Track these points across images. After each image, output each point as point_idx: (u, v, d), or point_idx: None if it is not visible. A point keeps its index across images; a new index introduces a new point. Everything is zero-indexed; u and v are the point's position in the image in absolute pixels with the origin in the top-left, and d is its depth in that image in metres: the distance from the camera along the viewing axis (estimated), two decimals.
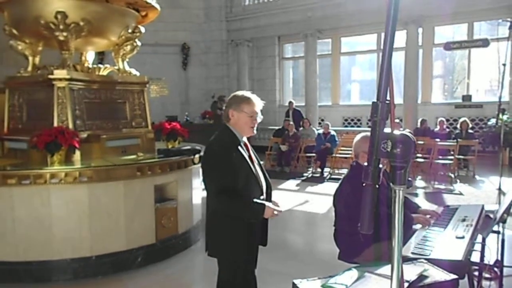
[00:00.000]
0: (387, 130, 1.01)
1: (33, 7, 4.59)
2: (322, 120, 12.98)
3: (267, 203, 2.36)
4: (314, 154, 10.19)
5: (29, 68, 4.93)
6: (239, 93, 2.54)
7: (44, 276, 3.94)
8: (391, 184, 0.99)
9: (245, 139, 2.51)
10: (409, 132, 1.03)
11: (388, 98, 0.99)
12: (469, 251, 2.27)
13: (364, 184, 0.99)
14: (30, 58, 4.95)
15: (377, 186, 0.96)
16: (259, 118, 2.47)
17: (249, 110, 2.43)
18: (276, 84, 14.32)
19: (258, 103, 2.48)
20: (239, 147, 2.42)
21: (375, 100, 1.00)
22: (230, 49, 14.60)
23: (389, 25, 0.96)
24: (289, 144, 10.40)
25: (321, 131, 10.78)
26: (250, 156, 2.48)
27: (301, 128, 11.13)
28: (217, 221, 2.45)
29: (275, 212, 2.35)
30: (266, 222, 2.58)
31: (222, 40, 14.53)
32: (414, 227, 2.80)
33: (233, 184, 2.32)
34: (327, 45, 14.13)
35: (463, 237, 2.39)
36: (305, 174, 9.85)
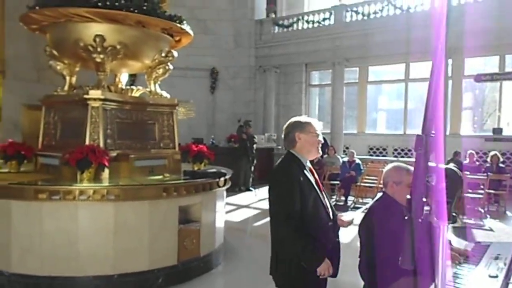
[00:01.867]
0: (431, 163, 1.00)
1: (74, 30, 4.81)
2: (347, 148, 12.87)
3: (327, 262, 2.29)
4: (338, 182, 10.08)
5: (66, 88, 5.13)
6: (297, 118, 2.55)
7: None
8: (435, 219, 0.97)
9: (309, 164, 2.50)
10: (455, 167, 1.01)
11: (433, 131, 0.98)
12: None
13: (406, 217, 0.97)
14: (67, 78, 5.15)
15: (420, 220, 0.95)
16: (321, 138, 2.49)
17: (314, 130, 2.46)
18: (302, 110, 14.35)
19: (319, 125, 2.51)
20: (306, 172, 2.41)
21: (419, 133, 0.99)
22: (258, 74, 14.80)
23: (437, 57, 0.96)
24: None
25: (346, 159, 10.68)
26: (316, 181, 2.47)
27: (325, 156, 11.06)
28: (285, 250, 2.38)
29: (329, 271, 2.29)
30: (339, 251, 2.52)
31: (250, 66, 14.76)
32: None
33: (302, 210, 2.28)
34: (354, 73, 14.14)
35: (496, 276, 2.29)
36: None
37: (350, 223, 2.53)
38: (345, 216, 2.55)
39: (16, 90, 11.32)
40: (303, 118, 2.52)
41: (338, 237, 2.50)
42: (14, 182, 4.16)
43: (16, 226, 4.03)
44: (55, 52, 5.01)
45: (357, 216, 2.58)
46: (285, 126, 2.55)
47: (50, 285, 3.96)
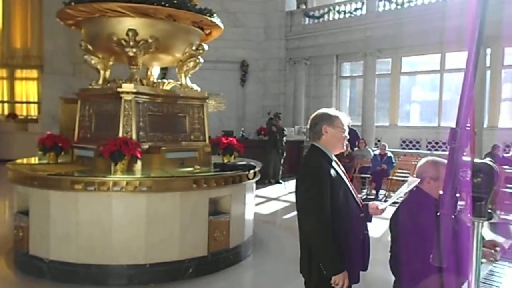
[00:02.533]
0: (466, 158, 0.96)
1: (107, 25, 4.92)
2: (379, 140, 12.62)
3: (345, 274, 2.22)
4: (369, 175, 9.92)
5: (100, 81, 5.26)
6: (325, 110, 2.48)
7: (102, 279, 4.13)
8: (469, 216, 0.94)
9: (334, 157, 2.45)
10: (491, 161, 0.97)
11: (468, 124, 0.95)
12: None
13: (438, 214, 0.95)
14: (102, 72, 5.28)
15: (453, 216, 0.92)
16: (347, 133, 2.45)
17: (342, 125, 2.41)
18: (333, 102, 14.17)
19: (347, 119, 2.46)
20: (334, 165, 2.38)
21: (453, 126, 0.95)
22: (288, 67, 14.71)
23: (473, 46, 0.92)
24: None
25: (377, 152, 10.48)
26: (344, 173, 2.45)
27: (356, 148, 10.90)
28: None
29: (343, 283, 2.22)
30: (369, 244, 2.49)
31: (280, 58, 14.68)
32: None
33: (333, 203, 2.25)
34: (387, 64, 13.81)
35: None
36: (359, 196, 9.58)
37: (383, 210, 2.48)
38: (381, 204, 2.49)
39: (53, 84, 11.74)
40: (332, 111, 2.46)
41: (367, 229, 2.46)
42: (52, 173, 4.33)
43: (54, 215, 4.20)
44: (89, 47, 5.14)
45: (388, 205, 2.52)
46: (312, 117, 2.49)
47: (86, 272, 4.11)
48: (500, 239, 3.55)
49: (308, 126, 2.51)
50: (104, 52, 5.21)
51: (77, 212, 4.14)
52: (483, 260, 2.59)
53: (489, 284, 2.13)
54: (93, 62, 5.22)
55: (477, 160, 0.97)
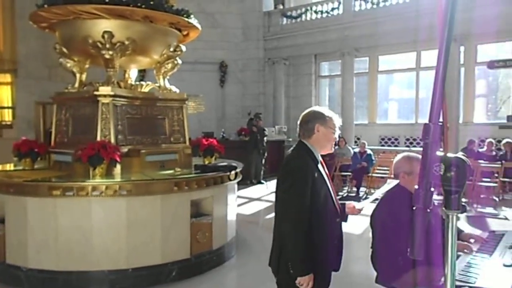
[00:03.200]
0: (439, 152, 0.98)
1: (82, 27, 4.84)
2: (358, 138, 12.79)
3: (310, 277, 2.20)
4: (349, 173, 10.03)
5: (76, 85, 5.17)
6: (319, 109, 2.47)
7: (83, 286, 4.05)
8: (444, 209, 0.96)
9: (320, 157, 2.44)
10: (463, 155, 1.00)
11: (441, 119, 0.97)
12: None
13: (414, 208, 0.97)
14: (78, 75, 5.19)
15: (428, 210, 0.94)
16: (337, 135, 2.45)
17: (334, 126, 2.40)
18: (312, 102, 14.27)
19: (339, 121, 2.46)
20: (319, 166, 2.37)
21: (426, 121, 0.98)
22: (267, 67, 14.75)
23: (443, 44, 0.94)
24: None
25: (357, 149, 10.62)
26: (327, 175, 2.44)
27: (336, 147, 11.01)
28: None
29: (307, 285, 2.21)
30: (342, 245, 2.49)
31: (259, 58, 14.71)
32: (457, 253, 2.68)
33: (312, 205, 2.24)
34: (364, 63, 14.00)
35: (511, 265, 2.27)
36: (340, 193, 9.69)
37: (360, 210, 2.50)
38: (358, 204, 2.52)
39: (28, 88, 11.47)
40: (326, 111, 2.44)
41: (342, 233, 2.49)
42: (28, 180, 4.23)
43: (32, 223, 4.10)
44: (64, 50, 5.05)
45: (367, 204, 2.55)
46: (304, 113, 2.46)
47: (66, 280, 4.03)
48: (477, 232, 3.65)
49: (298, 122, 2.47)
50: (79, 55, 5.12)
51: (56, 219, 4.05)
52: (460, 253, 2.65)
53: (467, 276, 2.19)
54: (68, 65, 5.13)
55: (450, 155, 0.99)
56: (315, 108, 2.49)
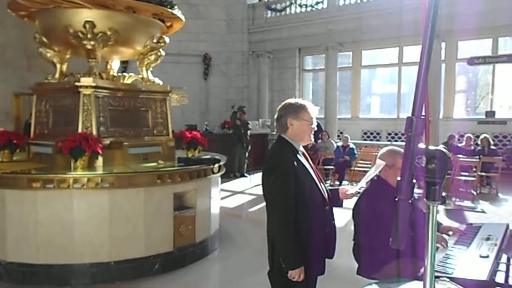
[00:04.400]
0: (421, 145, 1.01)
1: (63, 16, 4.73)
2: (341, 133, 12.91)
3: (301, 269, 2.23)
4: (332, 167, 10.13)
5: (57, 75, 5.07)
6: (292, 101, 2.42)
7: (64, 279, 4.01)
8: (425, 200, 0.99)
9: (301, 148, 2.43)
10: (444, 148, 1.03)
11: (423, 113, 0.99)
12: (494, 271, 2.22)
13: (396, 199, 0.99)
14: (58, 66, 5.09)
15: (410, 201, 0.96)
16: (315, 125, 2.42)
17: (308, 117, 2.36)
18: (296, 95, 14.30)
19: (314, 110, 2.43)
20: (299, 157, 2.36)
21: (409, 115, 1.00)
22: (251, 60, 14.72)
23: (426, 39, 0.96)
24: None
25: (340, 143, 10.72)
26: (310, 165, 2.44)
27: (319, 141, 11.09)
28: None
29: (299, 277, 2.24)
30: (335, 234, 2.50)
31: (243, 51, 14.66)
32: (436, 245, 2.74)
33: (297, 195, 2.24)
34: (348, 58, 14.10)
35: (487, 256, 2.34)
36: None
37: (354, 194, 2.51)
38: (350, 189, 2.52)
39: (7, 79, 11.17)
40: (298, 102, 2.40)
41: (334, 220, 2.51)
42: (7, 172, 4.15)
43: (11, 215, 4.03)
44: (44, 39, 4.94)
45: (359, 188, 2.55)
46: (278, 108, 2.45)
47: (47, 273, 3.98)
48: (455, 224, 3.75)
49: (275, 118, 2.48)
50: (60, 45, 5.01)
51: (36, 211, 3.99)
52: (438, 245, 2.72)
53: (444, 267, 2.24)
54: (48, 55, 5.02)
55: (431, 147, 1.01)
56: (288, 100, 2.45)
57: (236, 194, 8.91)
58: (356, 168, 9.82)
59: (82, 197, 4.06)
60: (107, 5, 4.63)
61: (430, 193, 0.99)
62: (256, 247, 5.01)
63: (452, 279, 1.99)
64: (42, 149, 4.77)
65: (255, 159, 11.54)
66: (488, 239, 2.68)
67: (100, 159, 4.40)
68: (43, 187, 3.93)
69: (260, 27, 14.41)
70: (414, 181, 0.99)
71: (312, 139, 2.47)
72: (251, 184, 9.93)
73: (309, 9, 13.49)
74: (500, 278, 2.31)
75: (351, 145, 10.35)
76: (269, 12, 14.41)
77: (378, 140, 13.17)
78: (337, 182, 9.83)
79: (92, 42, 4.65)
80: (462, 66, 12.31)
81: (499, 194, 8.66)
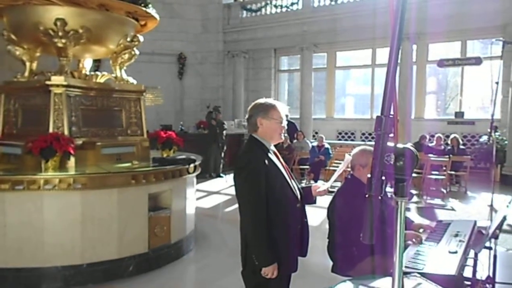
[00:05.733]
0: (390, 143, 1.04)
1: (33, 13, 4.61)
2: (316, 133, 13.05)
3: (274, 266, 2.26)
4: (307, 167, 10.23)
5: (26, 74, 4.93)
6: (262, 100, 2.45)
7: (34, 283, 3.90)
8: (393, 195, 1.02)
9: (273, 147, 2.45)
10: (412, 146, 1.06)
11: (392, 112, 1.02)
12: (462, 266, 2.30)
13: (367, 195, 1.02)
14: (28, 64, 4.95)
15: (380, 197, 0.99)
16: (285, 124, 2.44)
17: (278, 116, 2.39)
18: (271, 96, 14.36)
19: (284, 109, 2.45)
20: (270, 155, 2.38)
21: (379, 114, 1.03)
22: (226, 60, 14.69)
23: (394, 41, 0.99)
24: (283, 156, 10.42)
25: (315, 143, 10.84)
26: (282, 164, 2.45)
27: (295, 141, 11.17)
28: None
29: (273, 274, 2.27)
30: (307, 232, 2.52)
31: (219, 51, 14.62)
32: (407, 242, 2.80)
33: (268, 193, 2.26)
34: (323, 59, 14.28)
35: (456, 252, 2.41)
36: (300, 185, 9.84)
37: (326, 191, 2.54)
38: (322, 186, 2.56)
39: None
40: (267, 102, 2.44)
41: (306, 218, 2.54)
42: None
43: None
44: (13, 37, 4.79)
45: (330, 185, 2.58)
46: (248, 108, 2.47)
47: (16, 277, 3.87)
48: (426, 221, 3.87)
49: (246, 118, 2.50)
50: (30, 43, 4.87)
51: (4, 214, 3.86)
52: (410, 242, 2.79)
53: (415, 262, 2.31)
54: (17, 53, 4.87)
55: (400, 145, 1.05)
56: (258, 100, 2.48)
57: (211, 194, 8.88)
58: (331, 168, 9.94)
59: (53, 198, 3.96)
60: (79, 2, 4.54)
61: (399, 189, 1.02)
62: (232, 247, 5.00)
63: (422, 275, 2.05)
64: (11, 150, 4.62)
65: (231, 159, 11.52)
66: (456, 235, 2.77)
67: (72, 159, 4.30)
68: (12, 189, 3.81)
69: (236, 27, 14.40)
70: (384, 178, 1.02)
71: (283, 138, 2.49)
72: (227, 184, 9.91)
73: (284, 9, 13.58)
74: (468, 272, 2.38)
75: (326, 145, 10.48)
76: (244, 12, 14.42)
77: (352, 140, 13.39)
78: (312, 182, 9.91)
79: (63, 40, 4.55)
80: (433, 68, 12.64)
81: (468, 192, 8.94)
